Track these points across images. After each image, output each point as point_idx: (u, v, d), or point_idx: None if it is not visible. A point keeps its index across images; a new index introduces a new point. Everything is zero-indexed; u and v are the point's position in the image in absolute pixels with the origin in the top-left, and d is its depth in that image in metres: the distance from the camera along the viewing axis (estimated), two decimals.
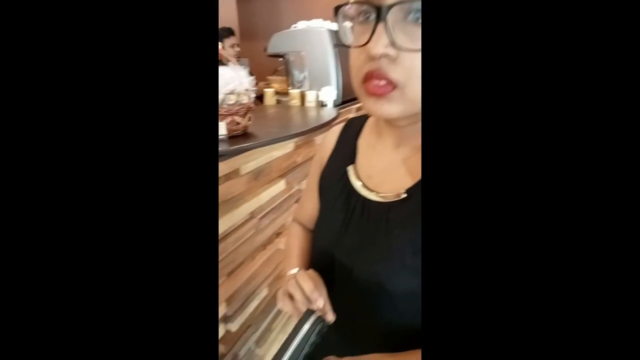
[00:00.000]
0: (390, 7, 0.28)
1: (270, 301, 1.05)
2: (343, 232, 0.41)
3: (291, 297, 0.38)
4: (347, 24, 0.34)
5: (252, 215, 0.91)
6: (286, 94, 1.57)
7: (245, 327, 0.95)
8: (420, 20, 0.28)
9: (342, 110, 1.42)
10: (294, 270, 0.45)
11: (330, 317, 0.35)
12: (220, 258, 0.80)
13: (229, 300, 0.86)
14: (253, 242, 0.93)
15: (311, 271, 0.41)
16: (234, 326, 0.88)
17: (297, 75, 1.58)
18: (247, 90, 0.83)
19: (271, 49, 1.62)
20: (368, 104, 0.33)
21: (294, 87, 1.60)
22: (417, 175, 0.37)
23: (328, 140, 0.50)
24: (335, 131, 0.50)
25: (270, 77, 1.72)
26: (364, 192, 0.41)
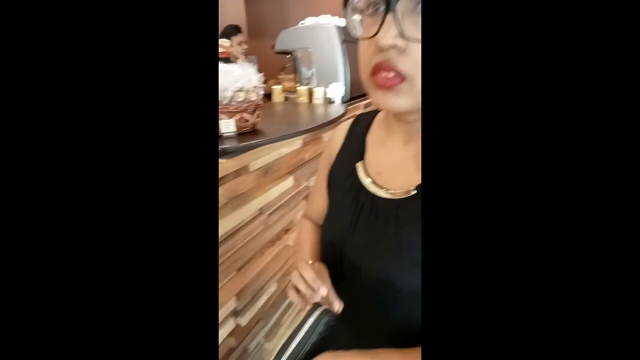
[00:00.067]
0: None
1: (279, 296, 1.07)
2: (352, 228, 0.41)
3: (297, 289, 0.39)
4: (356, 17, 0.33)
5: (261, 212, 0.92)
6: (294, 91, 1.57)
7: (255, 321, 0.97)
8: None
9: (350, 107, 1.42)
10: (312, 263, 0.45)
11: (336, 306, 0.36)
12: (229, 254, 0.82)
13: (238, 295, 0.87)
14: (262, 238, 0.94)
15: (316, 263, 0.42)
16: (243, 320, 0.90)
17: (305, 72, 1.58)
18: (255, 87, 0.84)
19: (279, 46, 1.62)
20: (376, 97, 0.33)
21: (301, 84, 1.60)
22: None
23: (336, 137, 0.50)
24: (343, 127, 0.50)
25: (280, 76, 1.72)
26: (373, 189, 0.41)
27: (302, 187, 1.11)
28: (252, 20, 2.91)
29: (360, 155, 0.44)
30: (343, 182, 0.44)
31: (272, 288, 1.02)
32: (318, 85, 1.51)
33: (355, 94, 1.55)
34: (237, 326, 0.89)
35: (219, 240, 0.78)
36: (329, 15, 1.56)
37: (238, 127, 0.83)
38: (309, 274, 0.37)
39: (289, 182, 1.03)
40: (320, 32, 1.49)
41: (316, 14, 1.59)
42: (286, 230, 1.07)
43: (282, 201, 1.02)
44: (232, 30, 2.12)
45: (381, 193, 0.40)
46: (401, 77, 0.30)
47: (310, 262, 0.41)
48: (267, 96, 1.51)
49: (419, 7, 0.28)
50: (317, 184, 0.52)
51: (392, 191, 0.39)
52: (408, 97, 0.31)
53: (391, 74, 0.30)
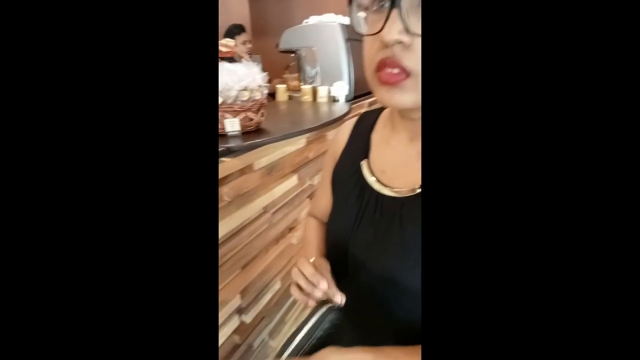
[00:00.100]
0: None
1: (283, 294, 1.07)
2: (356, 227, 0.41)
3: (299, 285, 0.39)
4: (361, 14, 0.33)
5: (265, 210, 0.92)
6: (298, 89, 1.57)
7: (259, 318, 0.98)
8: None
9: (354, 106, 1.42)
10: (312, 259, 0.46)
11: (338, 299, 0.36)
12: (234, 251, 0.82)
13: (243, 293, 0.88)
14: (266, 236, 0.95)
15: (317, 258, 0.42)
16: (248, 317, 0.91)
17: (309, 70, 1.58)
18: (260, 86, 0.84)
19: (283, 45, 1.62)
20: (381, 93, 0.33)
21: (305, 82, 1.60)
22: None
23: (341, 135, 0.50)
24: (348, 125, 0.50)
25: (285, 76, 1.73)
26: (378, 187, 0.41)
27: (305, 185, 1.11)
28: (257, 20, 2.91)
29: (364, 153, 0.44)
30: (348, 180, 0.44)
31: (276, 286, 1.03)
32: (322, 84, 1.51)
33: (359, 93, 1.54)
34: (242, 323, 0.89)
35: (225, 239, 0.78)
36: (332, 14, 1.56)
37: (243, 126, 0.84)
38: (308, 270, 0.38)
39: (293, 180, 1.03)
40: (324, 30, 1.49)
41: (320, 12, 1.59)
42: (290, 229, 1.08)
43: (286, 199, 1.02)
44: (236, 30, 2.12)
45: (386, 191, 0.40)
46: (406, 73, 0.30)
47: (310, 258, 0.41)
48: (272, 95, 1.51)
49: None
50: (323, 182, 0.52)
51: (396, 189, 0.39)
52: (412, 94, 0.31)
53: (396, 70, 0.30)
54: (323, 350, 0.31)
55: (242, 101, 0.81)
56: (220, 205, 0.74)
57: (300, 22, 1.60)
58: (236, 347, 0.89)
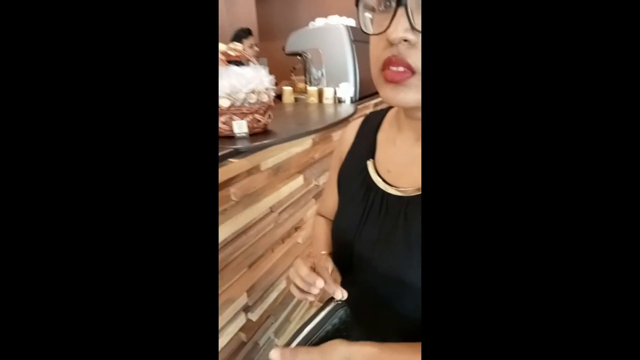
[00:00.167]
0: None
1: (289, 293, 1.08)
2: (362, 225, 0.42)
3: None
4: (368, 15, 0.34)
5: (271, 210, 0.94)
6: (304, 91, 1.59)
7: (265, 316, 0.99)
8: None
9: (359, 107, 1.42)
10: (314, 257, 0.47)
11: (339, 295, 0.36)
12: (241, 250, 0.84)
13: (249, 291, 0.89)
14: (273, 235, 0.96)
15: (318, 255, 0.43)
16: (254, 316, 0.92)
17: (315, 72, 1.60)
18: (267, 88, 0.86)
19: (289, 48, 1.64)
20: (386, 92, 0.33)
21: (311, 84, 1.61)
22: None
23: (347, 135, 0.51)
24: (354, 126, 0.51)
25: (292, 78, 1.75)
26: (383, 186, 0.41)
27: (311, 185, 1.13)
28: (264, 23, 2.94)
29: (370, 153, 0.45)
30: (354, 179, 0.45)
31: (282, 285, 1.04)
32: (328, 86, 1.53)
33: (364, 94, 1.55)
34: (248, 321, 0.91)
35: (232, 238, 0.80)
36: (337, 16, 1.57)
37: (250, 128, 0.85)
38: (303, 270, 0.38)
39: (299, 180, 1.04)
40: (329, 32, 1.50)
41: (325, 14, 1.61)
42: (296, 228, 1.09)
43: (292, 199, 1.03)
44: (244, 34, 2.15)
45: (391, 190, 0.40)
46: (411, 71, 0.31)
47: (308, 257, 0.42)
48: (278, 97, 1.53)
49: None
50: (329, 181, 0.53)
51: (402, 189, 0.40)
52: (417, 92, 0.32)
53: (401, 68, 0.31)
54: (331, 341, 0.32)
55: (250, 103, 0.83)
56: (227, 205, 0.75)
57: (306, 25, 1.62)
58: (242, 344, 0.91)
